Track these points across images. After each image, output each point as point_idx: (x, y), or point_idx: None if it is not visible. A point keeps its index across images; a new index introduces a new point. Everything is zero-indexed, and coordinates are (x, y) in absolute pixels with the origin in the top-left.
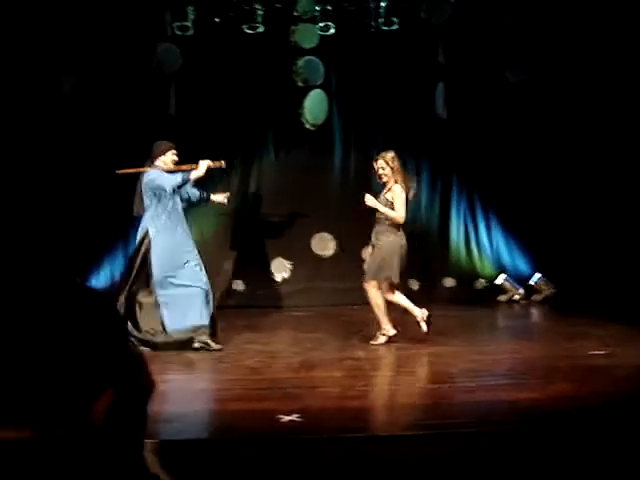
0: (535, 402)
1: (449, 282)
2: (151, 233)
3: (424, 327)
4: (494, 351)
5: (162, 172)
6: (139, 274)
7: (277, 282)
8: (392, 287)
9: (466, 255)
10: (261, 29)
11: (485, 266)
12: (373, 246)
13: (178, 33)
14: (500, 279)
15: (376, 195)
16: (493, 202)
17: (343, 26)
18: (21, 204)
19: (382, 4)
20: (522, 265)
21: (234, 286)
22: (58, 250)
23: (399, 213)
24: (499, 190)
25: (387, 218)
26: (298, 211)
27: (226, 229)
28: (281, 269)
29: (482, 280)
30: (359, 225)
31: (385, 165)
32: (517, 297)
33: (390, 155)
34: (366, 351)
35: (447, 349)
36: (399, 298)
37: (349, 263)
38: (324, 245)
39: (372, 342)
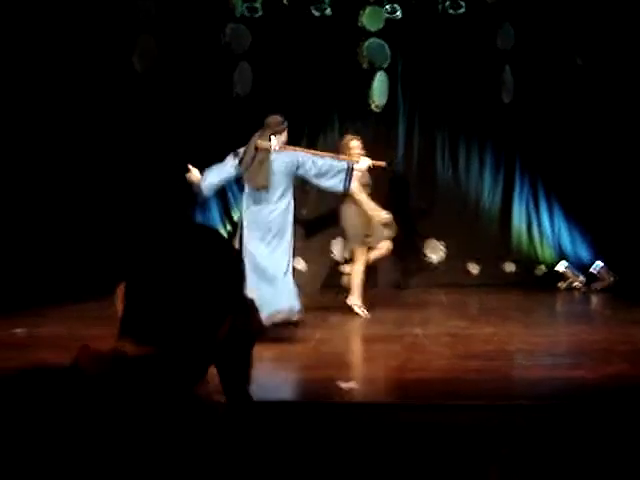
0: (590, 381)
1: (509, 267)
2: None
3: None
4: (551, 333)
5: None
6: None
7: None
8: None
9: (527, 240)
10: (329, 12)
11: (546, 252)
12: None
13: (247, 14)
14: (561, 266)
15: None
16: (556, 188)
17: (410, 9)
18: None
19: None
20: (583, 252)
21: (298, 266)
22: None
23: None
24: (562, 176)
25: None
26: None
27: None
28: (339, 250)
29: (542, 266)
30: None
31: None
32: (577, 284)
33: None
34: (424, 328)
35: (504, 329)
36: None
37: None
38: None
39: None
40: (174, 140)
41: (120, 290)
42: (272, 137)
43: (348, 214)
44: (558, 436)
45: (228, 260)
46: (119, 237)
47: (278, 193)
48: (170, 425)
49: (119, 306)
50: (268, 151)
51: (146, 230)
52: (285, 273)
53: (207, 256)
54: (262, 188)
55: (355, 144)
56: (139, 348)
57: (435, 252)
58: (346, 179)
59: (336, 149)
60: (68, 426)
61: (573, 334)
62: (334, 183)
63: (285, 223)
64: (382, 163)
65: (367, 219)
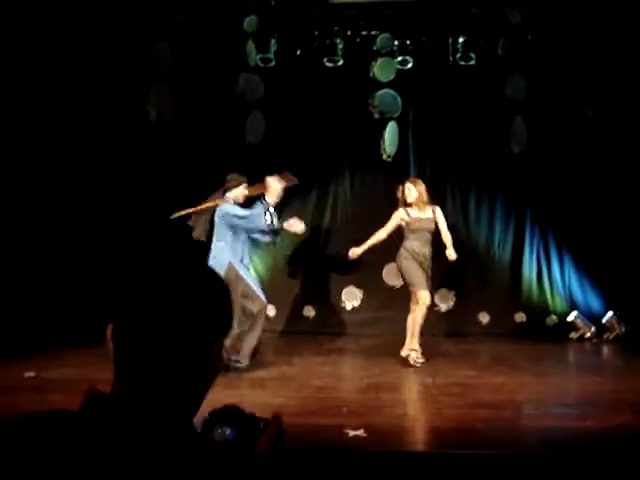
0: (598, 431)
1: (520, 317)
2: (235, 265)
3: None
4: (561, 383)
5: (250, 211)
6: None
7: (347, 310)
8: None
9: (538, 290)
10: (341, 62)
11: (557, 302)
12: (419, 261)
13: (260, 64)
14: (572, 316)
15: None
16: (566, 239)
17: (421, 60)
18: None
19: (460, 39)
20: (594, 303)
21: (305, 312)
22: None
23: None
24: (573, 226)
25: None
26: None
27: (299, 255)
28: (352, 297)
29: (553, 316)
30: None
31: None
32: (588, 335)
33: (418, 180)
34: (434, 377)
35: (514, 379)
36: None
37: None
38: (395, 275)
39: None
40: (186, 187)
41: (109, 331)
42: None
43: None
44: None
45: (214, 292)
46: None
47: None
48: (173, 459)
49: (109, 346)
50: None
51: (131, 270)
52: None
53: (193, 290)
54: None
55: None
56: (136, 387)
57: (445, 301)
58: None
59: None
60: (77, 469)
61: (582, 384)
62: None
63: None
64: (293, 180)
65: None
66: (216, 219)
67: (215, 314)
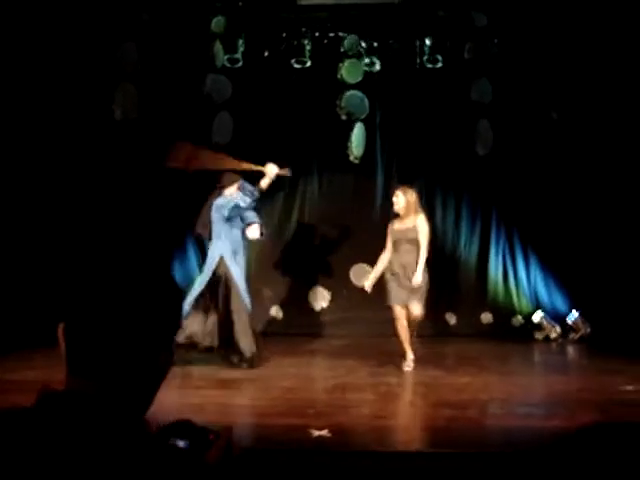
0: (564, 430)
1: (486, 317)
2: (226, 259)
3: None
4: (527, 383)
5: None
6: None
7: (316, 311)
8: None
9: (504, 291)
10: (309, 64)
11: (522, 303)
12: (393, 274)
13: (228, 65)
14: (537, 316)
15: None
16: (532, 239)
17: (388, 62)
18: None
19: (427, 42)
20: (559, 303)
21: (272, 313)
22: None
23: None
24: (538, 228)
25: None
26: (338, 241)
27: (266, 256)
28: (320, 298)
29: (519, 317)
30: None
31: (401, 196)
32: (554, 335)
33: (410, 189)
34: (399, 378)
35: (480, 379)
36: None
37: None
38: (363, 275)
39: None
40: (151, 187)
41: (60, 330)
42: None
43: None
44: None
45: (164, 288)
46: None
47: None
48: (124, 454)
49: (61, 345)
50: None
51: (82, 268)
52: None
53: (142, 286)
54: None
55: None
56: (87, 383)
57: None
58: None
59: None
60: (30, 465)
61: (548, 384)
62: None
63: None
64: (285, 171)
65: None
66: (212, 215)
67: (165, 311)
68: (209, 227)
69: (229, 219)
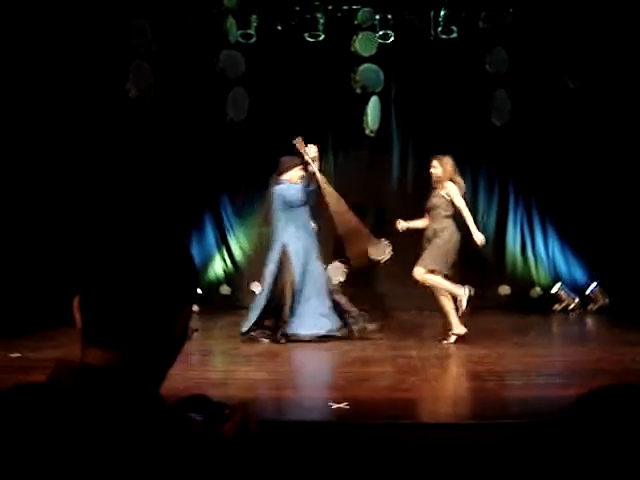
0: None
1: (504, 290)
2: (290, 248)
3: (463, 304)
4: (544, 354)
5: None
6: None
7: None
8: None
9: (522, 263)
10: (322, 37)
11: (541, 274)
12: (429, 240)
13: (241, 41)
14: (556, 288)
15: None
16: (550, 210)
17: (402, 34)
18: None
19: (441, 13)
20: (578, 274)
21: None
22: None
23: (465, 207)
24: (556, 198)
25: (449, 215)
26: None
27: None
28: (337, 273)
29: (538, 288)
30: (415, 229)
31: (438, 166)
32: (572, 306)
33: (446, 158)
34: (419, 350)
35: (498, 351)
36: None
37: (405, 267)
38: (380, 250)
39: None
40: (168, 165)
41: (76, 302)
42: None
43: (455, 237)
44: (549, 454)
45: (178, 256)
46: None
47: None
48: (141, 426)
49: (77, 317)
50: None
51: (96, 240)
52: None
53: (156, 255)
54: None
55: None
56: (103, 353)
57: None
58: None
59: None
60: (44, 439)
61: (566, 355)
62: None
63: None
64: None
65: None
66: (272, 202)
67: (181, 282)
68: (270, 213)
69: (288, 207)
